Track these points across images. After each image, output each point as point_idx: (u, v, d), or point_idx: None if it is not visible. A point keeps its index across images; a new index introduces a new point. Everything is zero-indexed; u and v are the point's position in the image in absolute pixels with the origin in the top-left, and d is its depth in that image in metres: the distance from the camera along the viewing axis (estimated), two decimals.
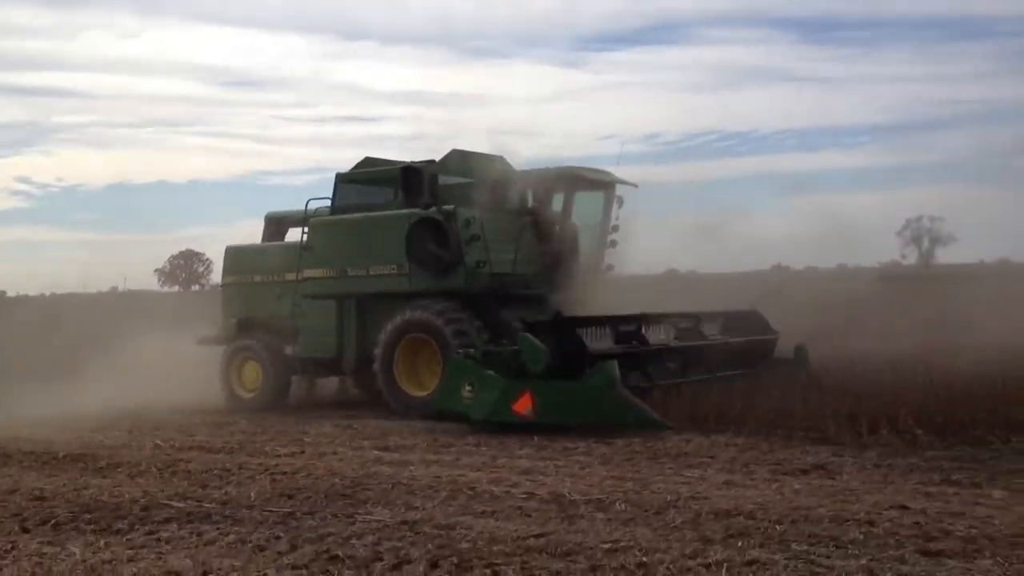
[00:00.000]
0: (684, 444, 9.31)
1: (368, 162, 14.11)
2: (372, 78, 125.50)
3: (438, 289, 12.72)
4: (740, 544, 5.82)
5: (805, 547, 5.72)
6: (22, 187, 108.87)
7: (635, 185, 14.32)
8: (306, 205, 14.19)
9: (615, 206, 14.33)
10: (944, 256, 62.75)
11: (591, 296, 13.42)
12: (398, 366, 12.77)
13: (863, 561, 5.39)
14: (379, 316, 13.12)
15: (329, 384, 15.58)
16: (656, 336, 12.40)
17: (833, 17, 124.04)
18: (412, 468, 8.65)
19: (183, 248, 72.30)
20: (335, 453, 9.59)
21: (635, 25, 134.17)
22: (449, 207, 12.72)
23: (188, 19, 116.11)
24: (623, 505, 6.92)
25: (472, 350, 11.41)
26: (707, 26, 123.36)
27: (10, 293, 28.18)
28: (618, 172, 14.36)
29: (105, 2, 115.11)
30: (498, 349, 11.41)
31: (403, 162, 13.57)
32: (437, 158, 13.60)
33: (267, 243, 15.59)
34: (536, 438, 10.07)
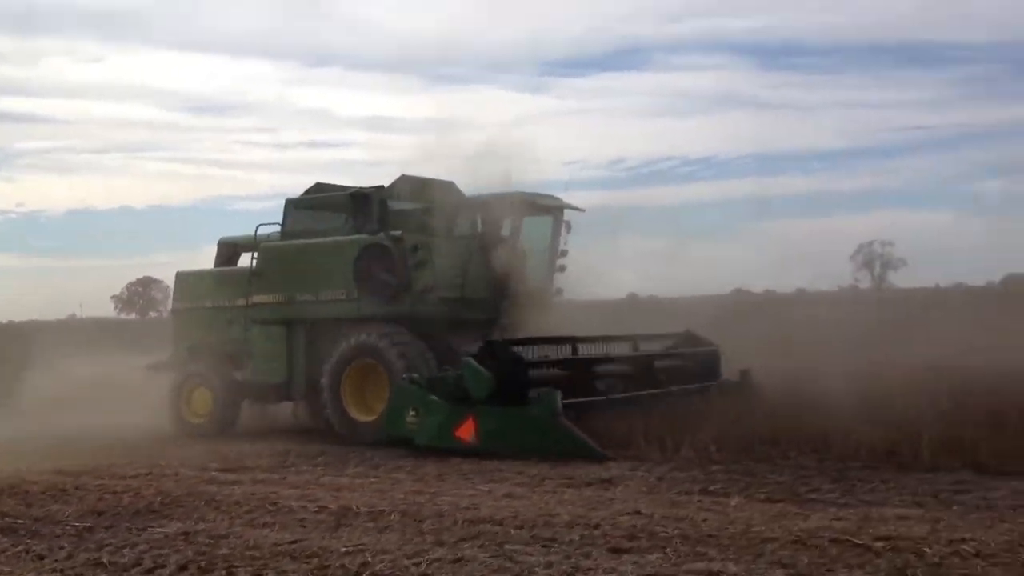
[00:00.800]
0: (500, 462, 9.92)
1: (319, 188, 14.35)
2: (337, 104, 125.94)
3: (386, 314, 12.84)
4: (465, 546, 6.47)
5: (518, 547, 6.33)
6: None
7: (582, 210, 14.54)
8: (256, 230, 14.45)
9: (564, 231, 14.52)
10: (901, 280, 63.98)
11: (540, 320, 13.53)
12: (345, 391, 12.88)
13: (554, 557, 6.03)
14: (328, 341, 13.19)
15: (283, 410, 15.66)
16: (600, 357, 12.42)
17: (794, 44, 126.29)
18: (237, 487, 9.26)
19: (143, 275, 72.64)
20: (176, 474, 10.18)
21: (600, 51, 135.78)
22: (396, 232, 12.89)
23: (151, 44, 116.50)
24: (396, 516, 7.55)
25: (416, 375, 11.68)
26: (670, 52, 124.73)
27: None
28: (570, 197, 14.56)
29: (67, 27, 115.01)
30: (442, 375, 11.67)
31: (353, 187, 13.77)
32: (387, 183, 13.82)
33: (217, 269, 15.67)
34: (375, 457, 10.73)
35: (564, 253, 14.53)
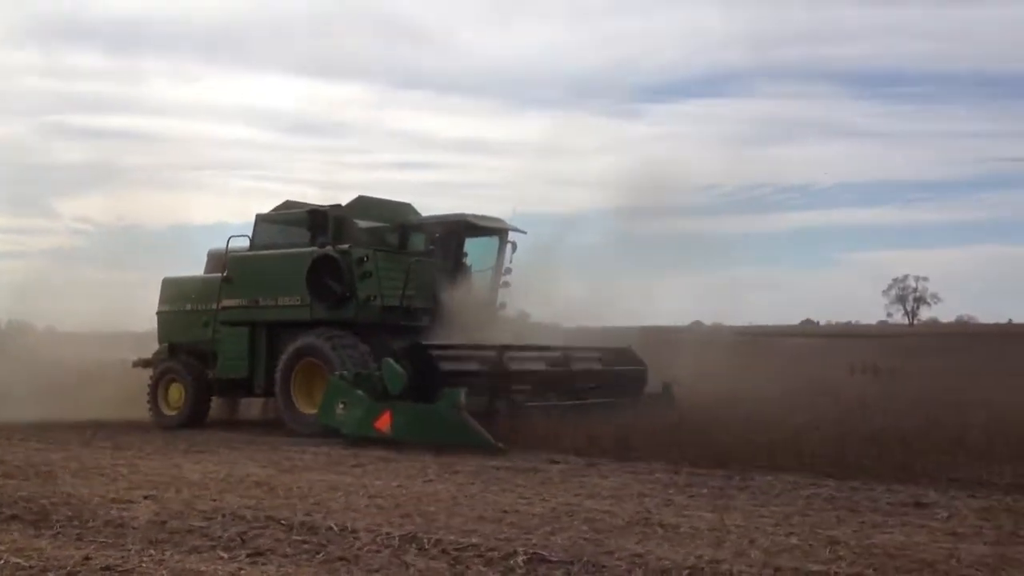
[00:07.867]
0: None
1: (287, 204, 15.84)
2: (428, 126, 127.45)
3: (334, 319, 14.21)
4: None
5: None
6: (82, 227, 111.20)
7: (524, 232, 16.12)
8: (227, 242, 15.92)
9: (508, 251, 16.00)
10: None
11: (483, 330, 14.58)
12: (295, 387, 14.23)
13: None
14: (284, 342, 14.67)
15: (249, 405, 17.14)
16: (522, 366, 13.61)
17: (896, 72, 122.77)
18: None
19: None
20: None
21: (693, 76, 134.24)
22: (344, 246, 14.29)
23: (248, 66, 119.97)
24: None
25: (345, 372, 12.94)
26: (767, 79, 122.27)
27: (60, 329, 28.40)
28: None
29: (169, 48, 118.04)
30: (367, 372, 12.90)
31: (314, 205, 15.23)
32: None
33: (197, 275, 17.01)
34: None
35: (508, 271, 15.93)
